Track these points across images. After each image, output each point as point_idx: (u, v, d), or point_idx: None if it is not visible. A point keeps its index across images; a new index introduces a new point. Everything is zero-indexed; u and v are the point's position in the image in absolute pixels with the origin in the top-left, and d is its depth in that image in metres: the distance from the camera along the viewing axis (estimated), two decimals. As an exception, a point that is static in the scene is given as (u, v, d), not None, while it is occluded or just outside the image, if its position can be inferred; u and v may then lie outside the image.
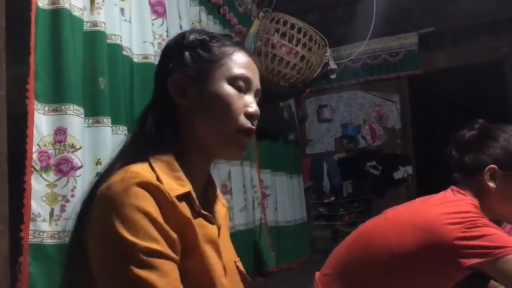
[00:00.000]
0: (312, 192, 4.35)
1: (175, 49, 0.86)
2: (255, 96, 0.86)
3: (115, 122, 1.75)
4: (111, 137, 1.72)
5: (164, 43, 0.93)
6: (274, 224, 3.28)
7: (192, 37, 0.85)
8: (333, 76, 3.67)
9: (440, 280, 1.23)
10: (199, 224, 0.77)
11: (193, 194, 0.78)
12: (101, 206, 0.71)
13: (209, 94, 0.81)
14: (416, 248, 1.21)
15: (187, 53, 0.83)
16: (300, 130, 4.23)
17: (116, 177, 0.72)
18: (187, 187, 0.77)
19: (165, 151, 0.79)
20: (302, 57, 2.91)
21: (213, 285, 0.75)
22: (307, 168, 4.25)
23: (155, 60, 2.03)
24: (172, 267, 0.69)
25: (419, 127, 4.24)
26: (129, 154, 0.79)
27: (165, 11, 2.15)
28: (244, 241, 2.78)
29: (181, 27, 2.29)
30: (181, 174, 0.78)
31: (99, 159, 1.67)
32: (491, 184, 1.28)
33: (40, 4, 1.55)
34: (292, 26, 2.89)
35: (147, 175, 0.72)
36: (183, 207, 0.74)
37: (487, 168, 1.27)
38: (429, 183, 1.43)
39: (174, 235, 0.70)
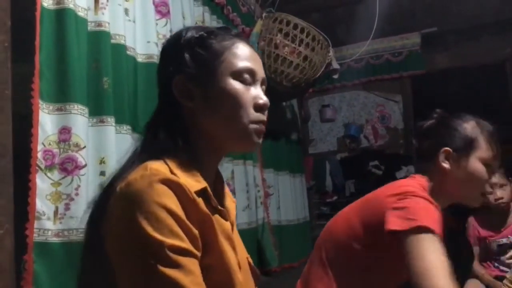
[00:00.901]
0: (314, 192, 4.35)
1: (173, 50, 0.85)
2: (262, 85, 0.85)
3: (118, 121, 1.76)
4: (115, 137, 1.73)
5: (162, 44, 0.92)
6: (276, 223, 3.29)
7: (189, 35, 0.84)
8: (335, 76, 3.67)
9: (390, 257, 1.25)
10: (216, 220, 0.77)
11: (209, 190, 0.78)
12: (122, 203, 0.70)
13: (215, 93, 0.80)
14: (365, 223, 1.29)
15: (186, 54, 0.82)
16: (302, 130, 4.23)
17: (135, 174, 0.71)
18: (202, 183, 0.77)
19: (177, 151, 0.78)
20: (305, 57, 2.92)
21: (231, 281, 0.75)
22: (309, 168, 4.25)
23: (158, 60, 2.04)
24: (196, 265, 0.69)
25: (421, 127, 4.23)
26: (142, 157, 0.78)
27: (169, 11, 2.15)
28: (247, 240, 2.78)
29: (184, 27, 2.29)
30: (195, 171, 0.78)
31: (103, 158, 1.68)
32: (446, 166, 1.33)
33: (45, 4, 1.56)
34: (295, 26, 2.90)
35: (166, 172, 0.72)
36: (202, 203, 0.74)
37: (441, 150, 1.34)
38: (430, 183, 1.45)
39: (196, 232, 0.71)
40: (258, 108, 0.82)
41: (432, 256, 1.07)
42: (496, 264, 2.54)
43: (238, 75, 0.81)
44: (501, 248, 2.50)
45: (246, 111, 0.80)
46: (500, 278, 2.35)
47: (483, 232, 2.56)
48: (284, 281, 3.14)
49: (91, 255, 0.78)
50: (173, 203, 0.69)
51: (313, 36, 2.93)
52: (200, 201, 0.73)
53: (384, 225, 1.18)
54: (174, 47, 0.85)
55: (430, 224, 1.12)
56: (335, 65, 3.49)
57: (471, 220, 2.62)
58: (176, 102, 0.82)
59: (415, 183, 1.32)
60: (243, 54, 0.82)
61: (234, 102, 0.80)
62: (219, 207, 0.80)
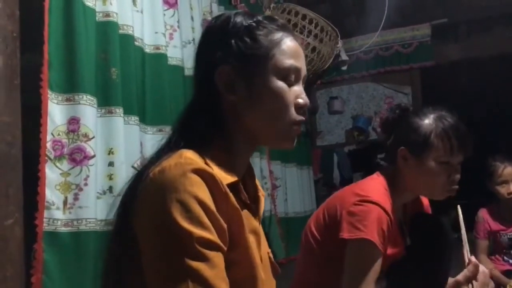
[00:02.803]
0: (322, 184, 4.34)
1: (220, 36, 0.82)
2: (302, 82, 0.85)
3: (127, 112, 1.77)
4: (123, 127, 1.73)
5: (205, 27, 0.89)
6: (283, 215, 3.29)
7: (238, 21, 0.81)
8: (344, 68, 3.64)
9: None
10: (245, 215, 0.76)
11: (240, 184, 0.78)
12: (154, 189, 0.70)
13: (259, 89, 0.79)
14: (326, 220, 1.35)
15: (233, 42, 0.80)
16: (310, 122, 4.21)
17: (169, 161, 0.71)
18: (235, 176, 0.77)
19: (212, 142, 0.78)
20: (313, 48, 2.90)
21: (255, 277, 0.75)
22: (317, 160, 4.24)
23: (166, 50, 2.03)
24: (221, 258, 0.69)
25: (430, 119, 4.19)
26: (177, 145, 0.77)
27: (176, 2, 2.15)
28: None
29: (192, 18, 2.29)
30: (229, 164, 0.77)
31: (112, 148, 1.68)
32: (403, 165, 1.36)
33: (53, -6, 1.56)
34: (304, 17, 2.87)
35: (201, 162, 0.71)
36: (233, 197, 0.73)
37: (399, 149, 1.36)
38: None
39: (224, 225, 0.70)
40: (299, 107, 0.81)
41: (365, 265, 1.19)
42: (505, 258, 2.51)
43: (284, 74, 0.80)
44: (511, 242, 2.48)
45: (288, 111, 0.80)
46: (509, 273, 2.33)
47: (494, 226, 2.53)
48: (291, 273, 3.15)
49: (120, 239, 0.77)
50: (205, 194, 0.68)
51: (321, 27, 2.91)
52: (231, 195, 0.73)
53: (339, 232, 1.26)
54: (221, 32, 0.82)
55: (374, 238, 1.21)
56: (344, 56, 3.46)
57: (482, 213, 2.58)
58: (217, 92, 0.80)
59: (376, 183, 1.35)
60: (289, 51, 0.82)
61: (277, 101, 0.79)
62: (248, 202, 0.80)
